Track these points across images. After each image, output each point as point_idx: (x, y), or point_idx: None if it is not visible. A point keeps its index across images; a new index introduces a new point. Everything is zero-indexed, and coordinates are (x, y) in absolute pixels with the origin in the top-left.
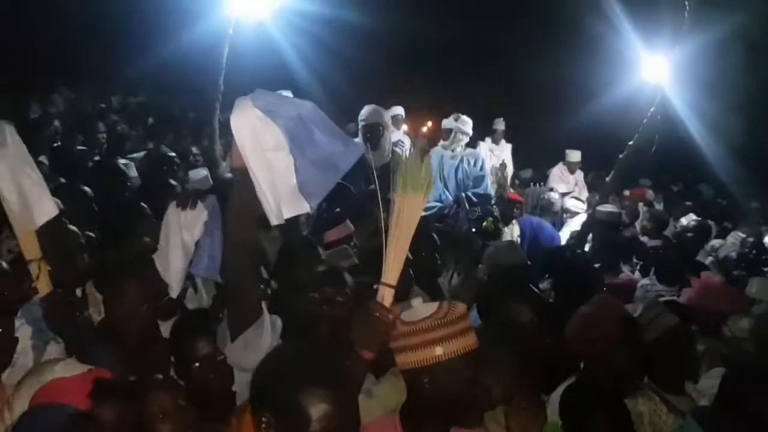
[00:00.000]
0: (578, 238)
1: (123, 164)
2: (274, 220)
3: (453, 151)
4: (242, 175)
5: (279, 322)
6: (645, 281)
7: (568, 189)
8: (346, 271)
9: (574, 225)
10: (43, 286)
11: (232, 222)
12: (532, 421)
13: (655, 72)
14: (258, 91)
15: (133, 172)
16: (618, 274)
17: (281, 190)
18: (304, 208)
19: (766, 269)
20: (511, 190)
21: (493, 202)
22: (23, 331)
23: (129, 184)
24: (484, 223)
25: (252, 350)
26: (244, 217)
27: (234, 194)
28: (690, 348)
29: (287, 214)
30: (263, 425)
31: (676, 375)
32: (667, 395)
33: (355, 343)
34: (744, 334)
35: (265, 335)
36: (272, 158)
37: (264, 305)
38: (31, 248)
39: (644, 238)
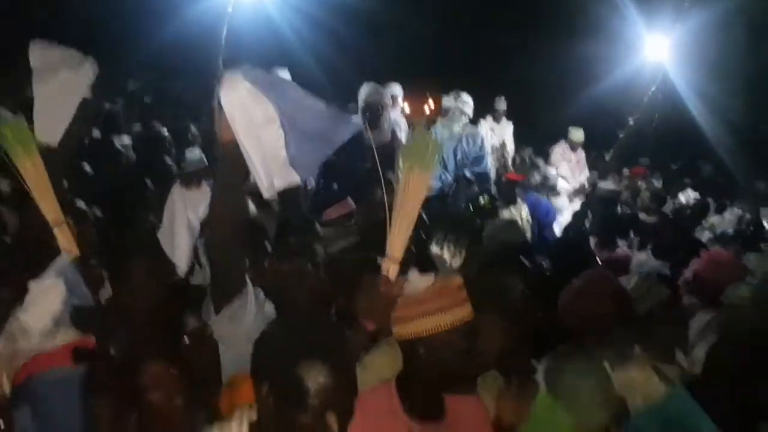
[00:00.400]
0: (579, 215)
1: (119, 143)
2: (265, 194)
3: (452, 130)
4: (231, 148)
5: (262, 294)
6: (641, 256)
7: (569, 167)
8: (348, 247)
9: (575, 205)
10: (74, 248)
11: (218, 195)
12: (523, 398)
13: (657, 51)
14: (246, 67)
15: (128, 151)
16: (615, 250)
17: (272, 163)
18: (295, 179)
19: (762, 245)
20: (512, 170)
21: (493, 181)
22: (57, 289)
23: (124, 162)
24: (480, 201)
25: (236, 323)
26: (229, 190)
27: (221, 167)
28: (681, 319)
29: (278, 186)
30: (263, 395)
31: (667, 345)
32: (658, 364)
33: (360, 315)
34: (743, 301)
35: (249, 308)
36: (262, 132)
37: (248, 278)
38: (53, 212)
39: (642, 215)
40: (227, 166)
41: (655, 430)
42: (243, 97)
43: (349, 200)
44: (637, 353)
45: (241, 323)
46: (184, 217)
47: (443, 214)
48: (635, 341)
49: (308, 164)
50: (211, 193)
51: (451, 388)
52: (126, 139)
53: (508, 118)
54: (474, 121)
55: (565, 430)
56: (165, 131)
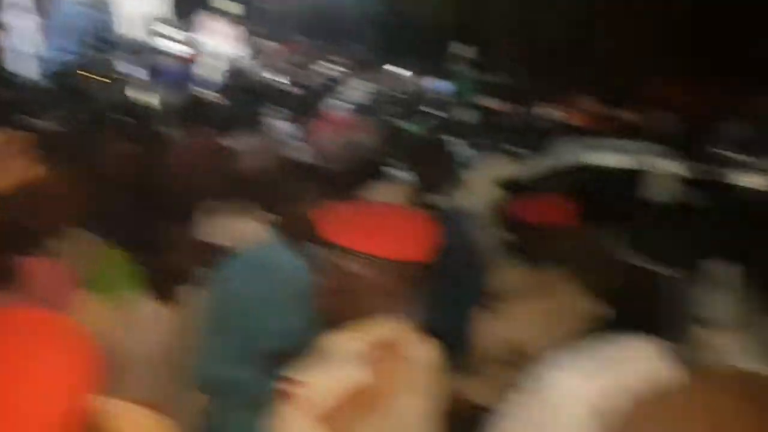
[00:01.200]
0: (223, 89)
1: None
2: None
3: None
4: None
5: None
6: (280, 124)
7: (216, 39)
8: None
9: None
10: None
11: None
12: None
13: None
14: None
15: None
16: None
17: None
18: None
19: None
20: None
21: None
22: None
23: None
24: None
25: None
26: None
27: None
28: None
29: None
30: None
31: (268, 196)
32: (257, 212)
33: None
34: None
35: None
36: None
37: None
38: None
39: (286, 87)
40: None
41: (247, 271)
42: None
43: None
44: (241, 205)
45: None
46: None
47: (60, 81)
48: (241, 195)
49: None
50: None
51: (23, 250)
52: None
53: None
54: None
55: (128, 276)
56: None
